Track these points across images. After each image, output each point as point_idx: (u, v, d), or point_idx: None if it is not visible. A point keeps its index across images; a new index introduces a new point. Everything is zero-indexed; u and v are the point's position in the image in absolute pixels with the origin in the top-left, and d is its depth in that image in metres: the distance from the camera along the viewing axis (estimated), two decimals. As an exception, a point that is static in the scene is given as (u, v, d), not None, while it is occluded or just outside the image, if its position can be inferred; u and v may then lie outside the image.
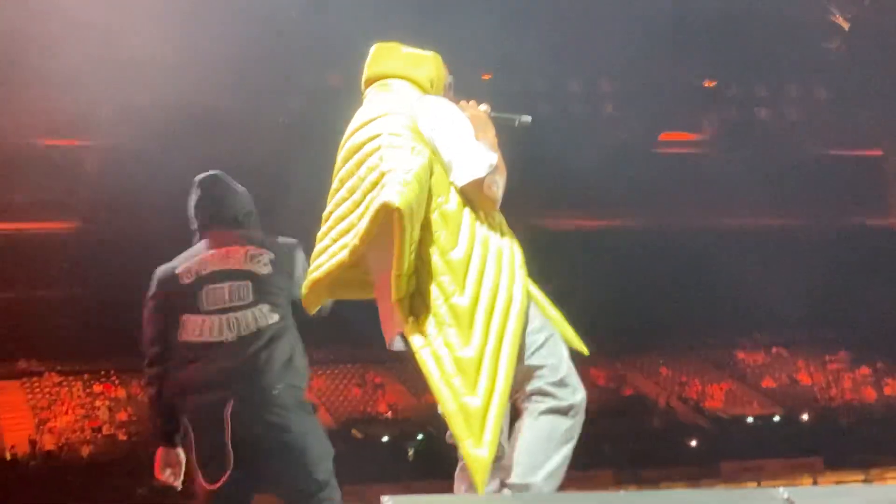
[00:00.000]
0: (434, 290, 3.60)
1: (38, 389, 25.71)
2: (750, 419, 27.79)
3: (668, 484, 23.41)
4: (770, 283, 28.04)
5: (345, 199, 3.78)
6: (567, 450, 3.75)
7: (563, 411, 3.74)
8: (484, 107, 3.97)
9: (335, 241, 3.77)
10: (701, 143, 31.47)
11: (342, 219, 3.77)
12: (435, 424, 26.39)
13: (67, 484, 21.34)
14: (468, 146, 3.72)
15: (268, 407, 4.52)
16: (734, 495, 3.29)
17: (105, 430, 24.40)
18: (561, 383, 3.77)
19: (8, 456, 22.77)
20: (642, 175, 28.95)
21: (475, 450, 3.50)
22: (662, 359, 30.33)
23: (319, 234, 3.83)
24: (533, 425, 3.68)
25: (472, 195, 3.72)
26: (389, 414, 26.46)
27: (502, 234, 3.82)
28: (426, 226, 3.65)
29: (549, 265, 26.59)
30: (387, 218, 3.54)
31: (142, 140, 20.24)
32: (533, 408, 3.69)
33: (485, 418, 3.53)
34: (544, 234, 29.36)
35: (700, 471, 24.32)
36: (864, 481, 23.37)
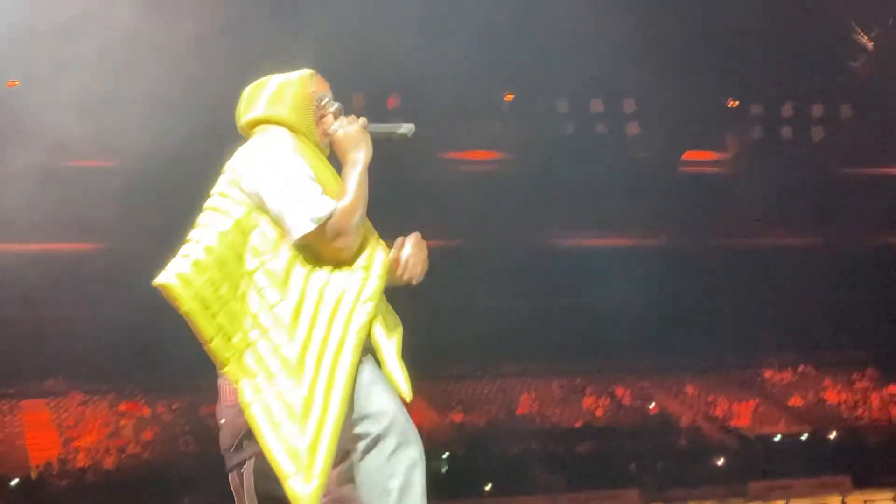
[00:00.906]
0: (264, 345, 3.54)
1: (63, 408, 25.82)
2: (777, 438, 27.62)
3: (695, 503, 23.30)
4: (796, 302, 27.95)
5: None
6: (400, 478, 3.73)
7: (373, 445, 3.72)
8: (363, 120, 3.83)
9: None
10: (725, 163, 31.40)
11: None
12: (460, 443, 26.47)
13: (93, 503, 21.41)
14: (297, 199, 3.57)
15: None
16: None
17: (130, 450, 24.46)
18: (385, 433, 3.76)
19: (34, 475, 22.85)
20: (666, 194, 28.92)
21: (300, 488, 3.43)
22: (689, 377, 30.20)
23: None
24: (360, 480, 3.64)
25: (314, 245, 3.62)
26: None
27: (351, 272, 3.68)
28: (252, 284, 3.58)
29: (574, 284, 26.60)
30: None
31: (166, 159, 20.36)
32: (354, 457, 3.65)
33: (314, 453, 3.47)
34: (568, 254, 29.37)
35: (727, 490, 24.19)
36: (894, 500, 23.17)
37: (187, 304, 3.45)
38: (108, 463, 23.74)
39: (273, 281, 3.54)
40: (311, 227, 3.52)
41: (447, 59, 21.83)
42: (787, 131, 29.99)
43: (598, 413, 28.45)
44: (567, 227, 29.66)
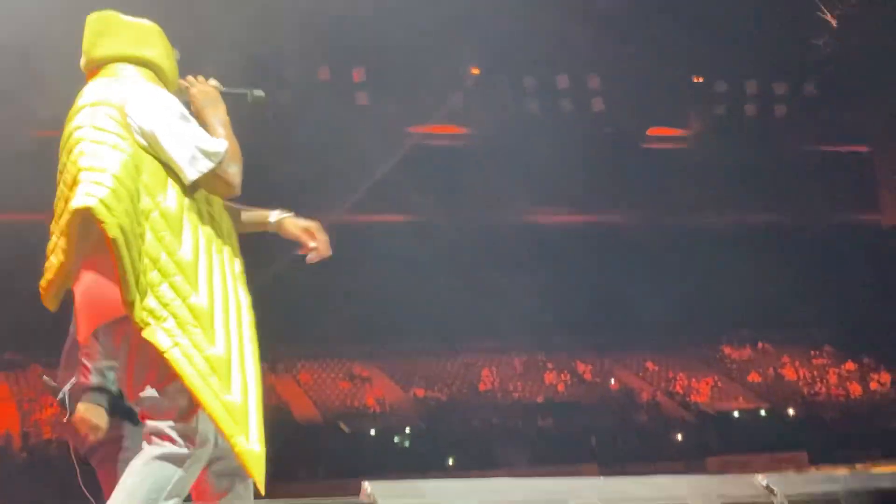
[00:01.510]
0: (168, 290, 3.44)
1: (22, 381, 25.65)
2: (736, 414, 27.87)
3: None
4: (756, 279, 28.13)
5: (60, 196, 3.58)
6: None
7: (178, 461, 3.45)
8: (213, 82, 3.77)
9: (56, 241, 3.60)
10: (688, 139, 31.52)
11: (59, 217, 3.58)
12: (423, 417, 26.50)
13: (55, 475, 21.31)
14: (191, 138, 3.54)
15: None
16: (714, 481, 3.31)
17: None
18: (185, 430, 3.47)
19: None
20: (630, 170, 29.02)
21: (248, 445, 3.37)
22: (649, 354, 30.39)
23: (51, 229, 3.64)
24: (142, 469, 3.44)
25: (207, 186, 3.57)
26: (377, 408, 26.47)
27: (224, 241, 3.62)
28: (148, 226, 3.48)
29: (537, 260, 26.59)
30: (84, 221, 3.41)
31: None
32: (148, 450, 3.46)
33: (247, 414, 3.42)
34: (532, 230, 29.42)
35: (686, 465, 24.38)
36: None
37: (113, 230, 3.36)
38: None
39: (170, 225, 3.48)
40: (209, 165, 3.50)
41: (412, 32, 21.76)
42: (750, 108, 30.14)
43: (560, 388, 28.60)
44: (530, 203, 29.68)
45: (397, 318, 26.14)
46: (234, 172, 3.58)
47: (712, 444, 25.61)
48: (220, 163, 3.54)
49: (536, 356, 29.50)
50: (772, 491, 3.11)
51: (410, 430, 24.98)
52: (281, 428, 24.45)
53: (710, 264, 28.93)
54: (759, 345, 31.62)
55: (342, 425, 25.20)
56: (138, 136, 3.53)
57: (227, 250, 3.61)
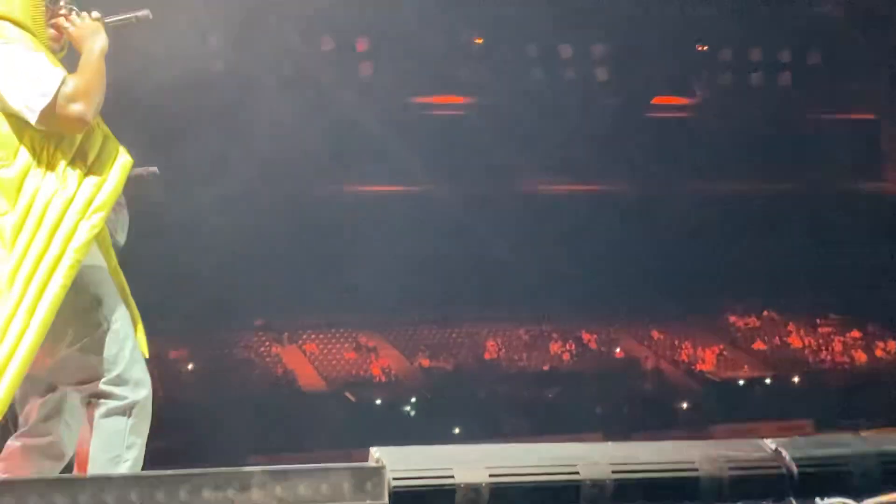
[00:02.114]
0: None
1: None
2: (741, 382, 27.92)
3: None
4: (762, 247, 28.11)
5: None
6: (136, 451, 3.54)
7: (123, 411, 3.52)
8: (95, 13, 3.74)
9: None
10: (693, 108, 31.41)
11: None
12: (429, 387, 26.61)
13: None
14: (28, 78, 3.46)
15: None
16: (722, 445, 3.31)
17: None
18: (119, 380, 3.52)
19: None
20: (634, 139, 28.94)
21: None
22: (654, 323, 30.41)
23: None
24: (96, 434, 3.50)
25: (55, 126, 3.48)
26: (382, 377, 26.54)
27: (86, 174, 3.53)
28: None
29: (542, 231, 26.60)
30: None
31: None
32: (94, 413, 3.52)
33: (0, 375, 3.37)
34: (536, 200, 29.39)
35: (692, 433, 24.44)
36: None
37: None
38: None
39: (4, 187, 3.43)
40: (46, 100, 3.42)
41: (415, 1, 21.67)
42: (755, 76, 30.00)
43: (565, 357, 28.65)
44: (534, 172, 29.62)
45: (402, 288, 26.17)
46: (78, 107, 3.46)
47: (718, 411, 25.67)
48: (55, 95, 3.45)
49: (541, 326, 29.53)
50: (780, 454, 3.11)
51: (416, 399, 25.06)
52: (287, 398, 24.55)
53: (716, 233, 28.90)
54: (765, 313, 31.62)
55: (348, 395, 25.30)
56: None
57: (70, 219, 3.48)
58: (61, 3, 3.77)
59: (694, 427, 24.89)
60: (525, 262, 27.64)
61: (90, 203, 3.50)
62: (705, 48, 29.76)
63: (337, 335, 28.32)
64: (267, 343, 27.52)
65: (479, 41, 27.61)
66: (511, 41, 27.46)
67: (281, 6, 22.36)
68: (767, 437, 3.25)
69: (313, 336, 28.05)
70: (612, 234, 27.14)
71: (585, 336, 29.53)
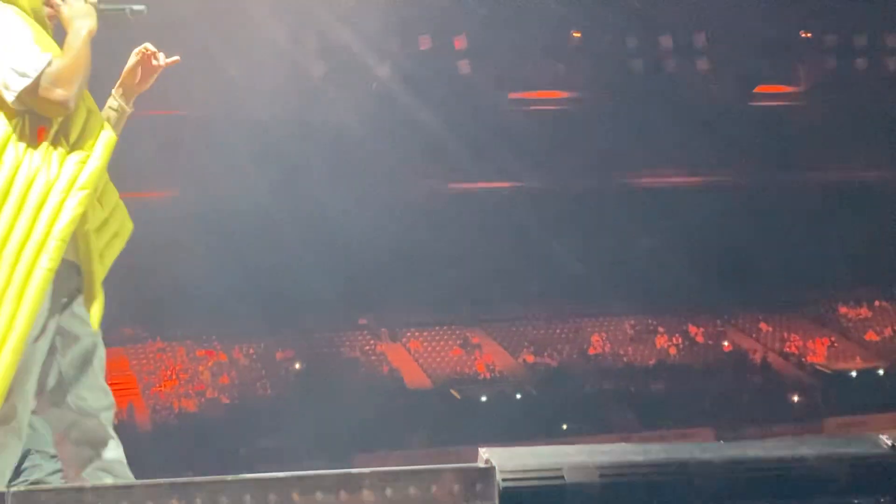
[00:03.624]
0: None
1: (142, 355, 26.31)
2: (853, 374, 27.36)
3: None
4: (873, 237, 27.49)
5: None
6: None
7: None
8: None
9: None
10: (797, 96, 30.84)
11: None
12: (534, 383, 26.54)
13: (172, 446, 21.86)
14: (11, 55, 3.39)
15: None
16: (837, 442, 3.24)
17: (208, 394, 24.89)
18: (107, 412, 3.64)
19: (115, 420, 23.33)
20: (738, 130, 28.51)
21: None
22: (762, 315, 29.97)
23: None
24: None
25: (36, 108, 3.42)
26: (487, 374, 26.58)
27: (69, 152, 3.45)
28: None
29: (647, 224, 26.31)
30: None
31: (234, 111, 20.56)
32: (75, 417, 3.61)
33: None
34: (641, 193, 29.17)
35: (803, 426, 24.06)
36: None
37: None
38: (186, 407, 24.20)
39: None
40: (27, 81, 3.36)
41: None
42: (860, 62, 29.33)
43: (672, 352, 28.39)
44: (638, 166, 29.41)
45: (506, 284, 26.16)
46: (60, 92, 3.40)
47: (829, 404, 25.21)
48: (38, 76, 3.39)
49: (647, 320, 29.29)
50: (897, 451, 3.04)
51: (521, 396, 25.04)
52: (393, 396, 24.72)
53: (825, 222, 28.36)
54: (877, 303, 30.94)
55: (454, 392, 25.38)
56: None
57: (68, 165, 3.44)
58: None
59: (804, 420, 24.50)
60: (630, 255, 27.46)
61: (74, 181, 3.43)
62: (809, 35, 29.19)
63: (440, 333, 28.45)
64: (372, 342, 27.76)
65: (577, 35, 27.46)
66: (611, 34, 27.26)
67: (380, 6, 22.54)
68: (880, 429, 3.16)
69: (417, 334, 28.21)
70: (719, 225, 26.79)
71: (692, 329, 29.21)
